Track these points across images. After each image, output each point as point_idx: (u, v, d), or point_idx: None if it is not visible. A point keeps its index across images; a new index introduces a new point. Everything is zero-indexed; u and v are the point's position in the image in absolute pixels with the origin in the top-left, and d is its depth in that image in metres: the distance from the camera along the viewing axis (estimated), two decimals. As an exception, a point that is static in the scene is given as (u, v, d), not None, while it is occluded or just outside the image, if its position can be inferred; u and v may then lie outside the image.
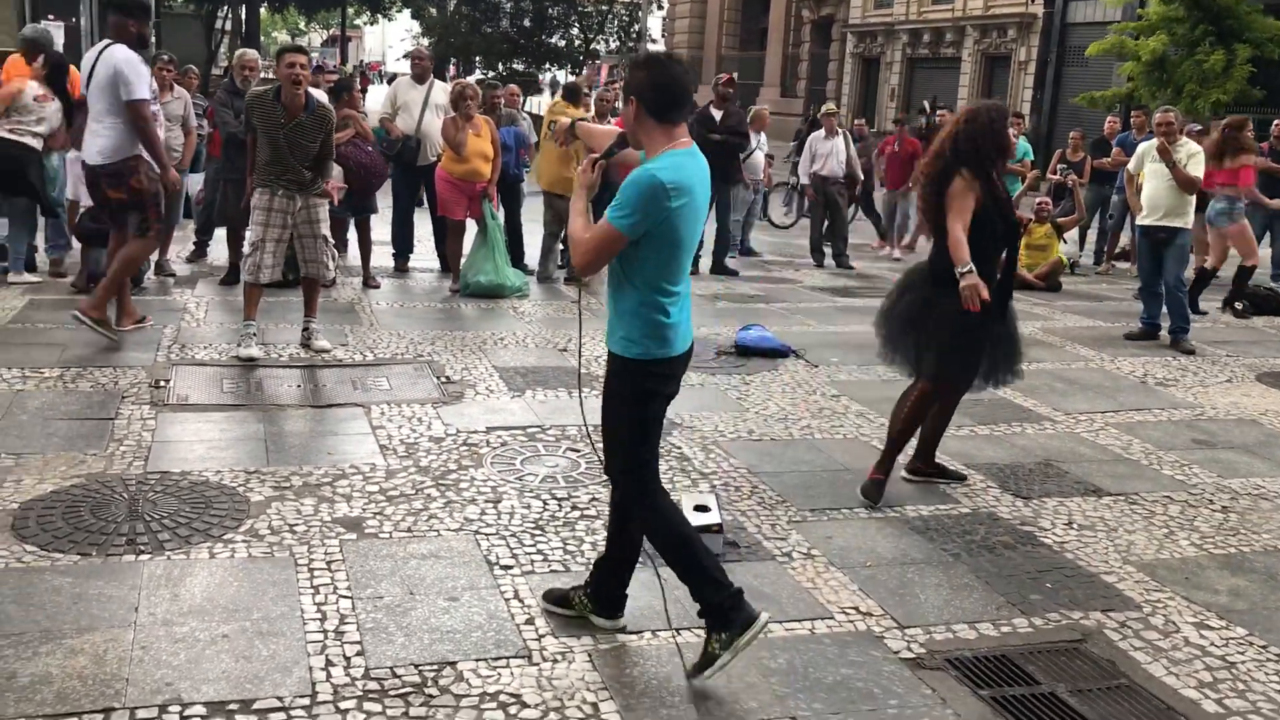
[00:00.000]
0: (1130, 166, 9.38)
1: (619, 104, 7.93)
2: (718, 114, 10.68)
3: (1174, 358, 8.35)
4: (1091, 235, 14.11)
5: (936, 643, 3.82)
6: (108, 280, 6.94)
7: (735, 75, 11.41)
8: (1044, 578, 4.35)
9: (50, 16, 13.27)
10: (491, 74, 36.15)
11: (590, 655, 3.60)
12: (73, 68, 9.23)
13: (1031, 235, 11.29)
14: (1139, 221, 8.94)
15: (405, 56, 43.85)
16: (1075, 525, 4.91)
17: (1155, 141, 8.66)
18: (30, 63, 8.39)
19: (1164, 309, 8.77)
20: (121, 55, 6.64)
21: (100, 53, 6.77)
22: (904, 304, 5.22)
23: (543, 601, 3.88)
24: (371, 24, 55.50)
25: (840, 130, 12.44)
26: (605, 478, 5.13)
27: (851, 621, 3.92)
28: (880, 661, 3.67)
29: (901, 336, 5.22)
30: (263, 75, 9.96)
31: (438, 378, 6.64)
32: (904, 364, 5.25)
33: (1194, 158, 8.48)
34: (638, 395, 3.48)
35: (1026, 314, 9.89)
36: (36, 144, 7.97)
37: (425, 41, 41.47)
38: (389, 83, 12.86)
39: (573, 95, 10.54)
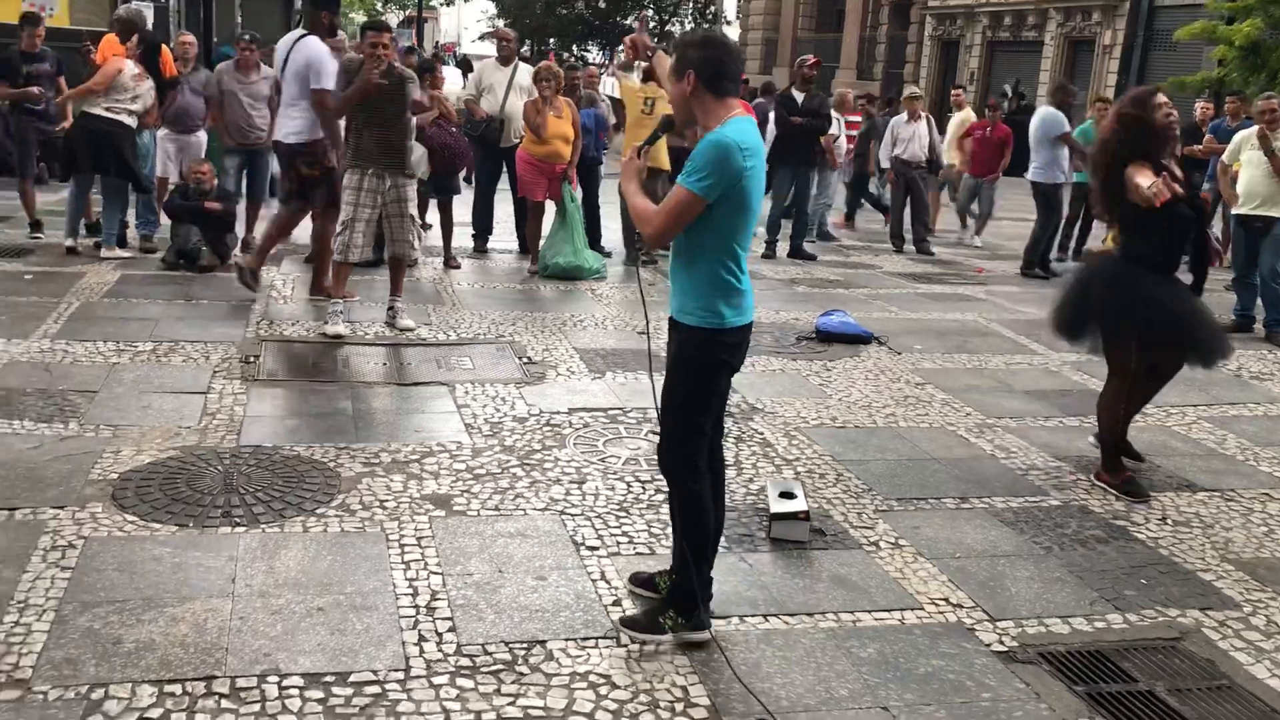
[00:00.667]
0: (1225, 156, 9.11)
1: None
2: (799, 96, 10.58)
3: (1270, 351, 8.12)
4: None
5: (1029, 636, 3.76)
6: (321, 264, 7.71)
7: (811, 58, 11.25)
8: (1138, 574, 4.26)
9: (139, -3, 13.48)
10: (567, 55, 36.20)
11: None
12: (165, 48, 9.42)
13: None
14: (1235, 211, 8.69)
15: (482, 38, 43.93)
16: (1169, 521, 4.80)
17: (1253, 129, 8.41)
18: (124, 42, 8.56)
19: (1259, 301, 8.52)
20: (314, 47, 7.23)
21: (295, 42, 7.35)
22: (1109, 296, 5.13)
23: (629, 584, 3.89)
24: (448, 5, 55.80)
25: (923, 114, 12.25)
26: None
27: (941, 613, 3.88)
28: (972, 654, 3.62)
29: (1112, 325, 5.15)
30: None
31: (519, 358, 6.67)
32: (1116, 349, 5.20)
33: None
34: (708, 366, 3.49)
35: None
36: (131, 122, 8.14)
37: (501, 23, 41.66)
38: (458, 65, 12.89)
39: (650, 75, 10.50)
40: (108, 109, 7.98)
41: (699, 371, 3.50)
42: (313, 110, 7.23)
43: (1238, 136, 8.83)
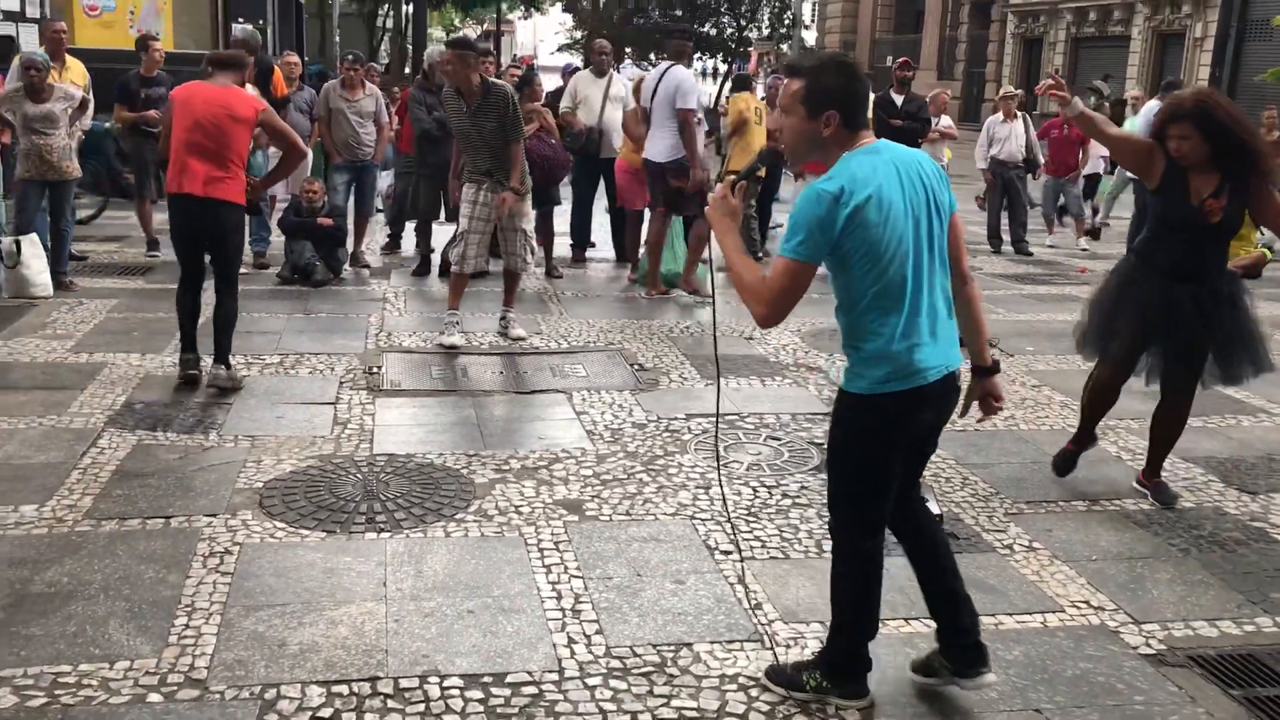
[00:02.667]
0: None
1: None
2: (898, 99, 10.54)
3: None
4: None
5: (1176, 639, 3.72)
6: (691, 260, 8.65)
7: (908, 60, 11.21)
8: (1283, 576, 4.20)
9: (240, 20, 13.91)
10: (646, 65, 36.37)
11: (822, 641, 3.61)
12: (277, 69, 9.69)
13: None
14: None
15: (560, 49, 44.26)
16: (1311, 522, 4.71)
17: None
18: (241, 64, 8.83)
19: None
20: (682, 74, 8.39)
21: (665, 71, 8.43)
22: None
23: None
24: (525, 18, 56.42)
25: (1018, 114, 12.12)
26: (812, 465, 5.18)
27: (1084, 615, 3.85)
28: (1119, 656, 3.60)
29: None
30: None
31: (631, 365, 6.75)
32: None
33: None
34: (859, 433, 3.09)
35: (1225, 302, 9.49)
36: None
37: (578, 35, 42.02)
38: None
39: (743, 84, 10.58)
40: None
41: (853, 438, 3.11)
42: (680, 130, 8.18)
43: None
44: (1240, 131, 4.49)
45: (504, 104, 6.87)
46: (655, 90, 8.41)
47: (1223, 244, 4.70)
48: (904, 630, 3.71)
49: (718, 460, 4.51)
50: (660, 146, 8.40)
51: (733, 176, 3.15)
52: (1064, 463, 5.13)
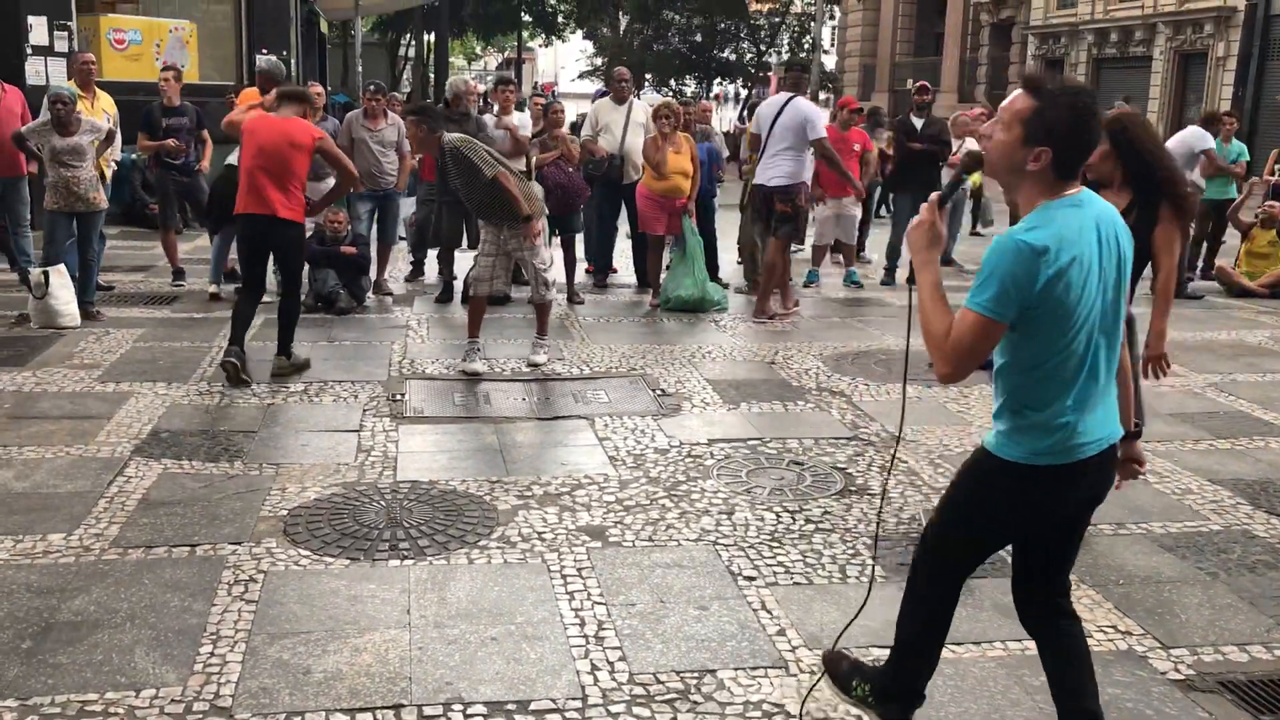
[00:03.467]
0: None
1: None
2: (918, 122, 10.56)
3: None
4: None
5: (1205, 664, 3.69)
6: (765, 287, 9.04)
7: (925, 84, 11.21)
8: (1314, 600, 4.15)
9: (264, 50, 14.06)
10: (666, 90, 36.57)
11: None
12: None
13: (1254, 242, 10.75)
14: None
15: (581, 76, 44.54)
16: (1340, 545, 4.66)
17: None
18: (264, 93, 8.95)
19: None
20: (806, 105, 8.72)
21: (786, 102, 8.70)
22: None
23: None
24: (546, 46, 56.83)
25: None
26: (835, 490, 5.16)
27: (1111, 640, 3.82)
28: (1148, 682, 3.57)
29: None
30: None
31: (653, 390, 6.76)
32: None
33: None
34: (998, 496, 2.84)
35: (1253, 322, 9.43)
36: None
37: (599, 61, 42.31)
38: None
39: (753, 109, 10.70)
40: None
41: (978, 497, 2.90)
42: (797, 158, 8.58)
43: None
44: (1149, 154, 4.36)
45: (459, 157, 6.80)
46: (775, 119, 8.65)
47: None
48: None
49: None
50: (775, 173, 8.66)
51: (937, 194, 2.82)
52: None
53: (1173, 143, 10.55)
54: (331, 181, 7.85)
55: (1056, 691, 3.02)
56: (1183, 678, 3.60)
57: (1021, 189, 2.69)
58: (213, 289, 9.06)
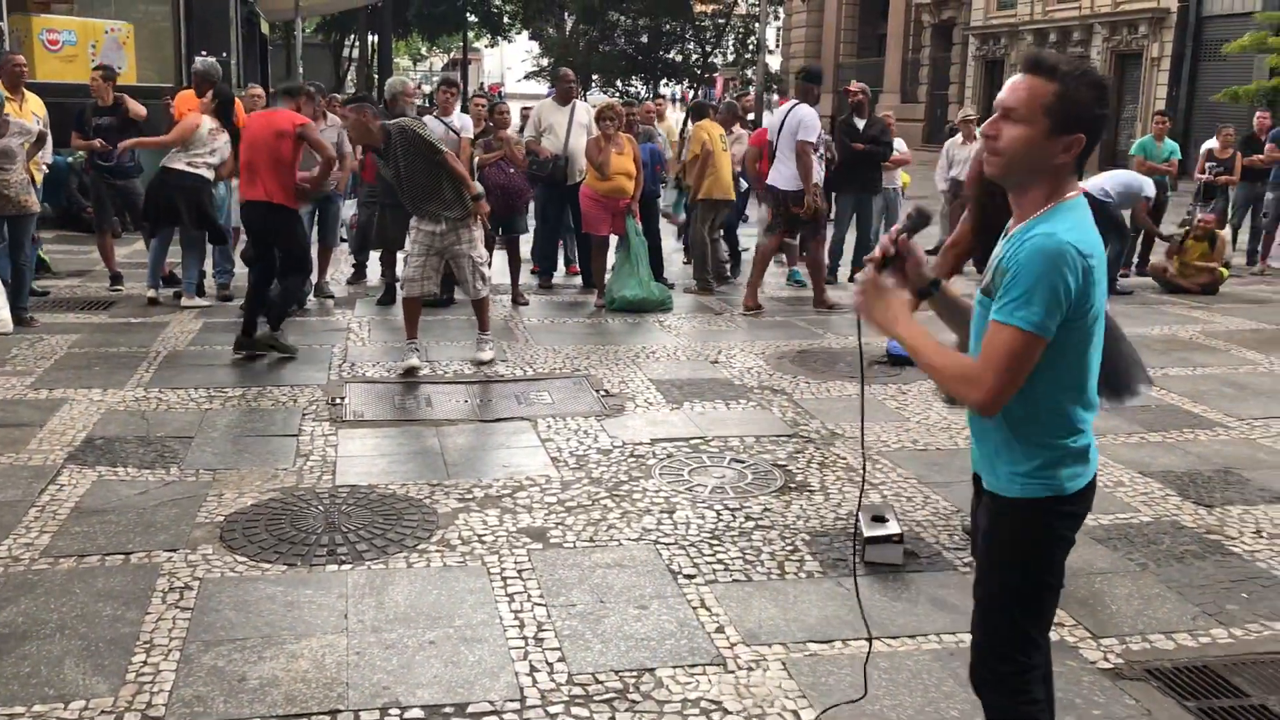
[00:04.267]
0: None
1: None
2: (860, 122, 10.65)
3: (1348, 360, 8.03)
4: (1243, 236, 13.60)
5: (1133, 653, 3.76)
6: (817, 282, 9.69)
7: (854, 86, 11.31)
8: (1239, 588, 4.25)
9: (203, 52, 13.88)
10: (611, 92, 36.61)
11: (784, 664, 3.64)
12: (238, 100, 9.68)
13: (1187, 254, 10.94)
14: None
15: (527, 77, 44.36)
16: (1265, 534, 4.77)
17: None
18: (200, 95, 8.85)
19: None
20: (806, 111, 9.19)
21: (791, 108, 9.29)
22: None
23: None
24: (491, 46, 56.62)
25: (977, 135, 12.25)
26: (775, 488, 5.20)
27: (1043, 631, 3.88)
28: (1078, 671, 3.63)
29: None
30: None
31: (596, 391, 6.77)
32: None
33: None
34: (1042, 547, 2.51)
35: (1185, 318, 9.62)
36: (209, 175, 8.39)
37: (545, 62, 42.22)
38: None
39: (702, 112, 10.77)
40: (188, 163, 8.22)
41: (1032, 555, 2.51)
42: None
43: None
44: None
45: (410, 136, 6.84)
46: (781, 125, 9.24)
47: None
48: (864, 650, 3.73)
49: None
50: (784, 175, 9.19)
51: (876, 257, 2.51)
52: None
53: (1116, 185, 10.38)
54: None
55: None
56: (1111, 666, 3.67)
57: (1038, 188, 2.38)
58: (150, 294, 8.93)
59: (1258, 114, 13.84)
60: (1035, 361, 2.31)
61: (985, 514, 2.61)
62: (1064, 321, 2.30)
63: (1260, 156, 12.36)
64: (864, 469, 2.79)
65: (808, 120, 9.12)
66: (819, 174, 9.26)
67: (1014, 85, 2.38)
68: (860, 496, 3.26)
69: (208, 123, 8.31)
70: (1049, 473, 2.44)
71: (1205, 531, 4.79)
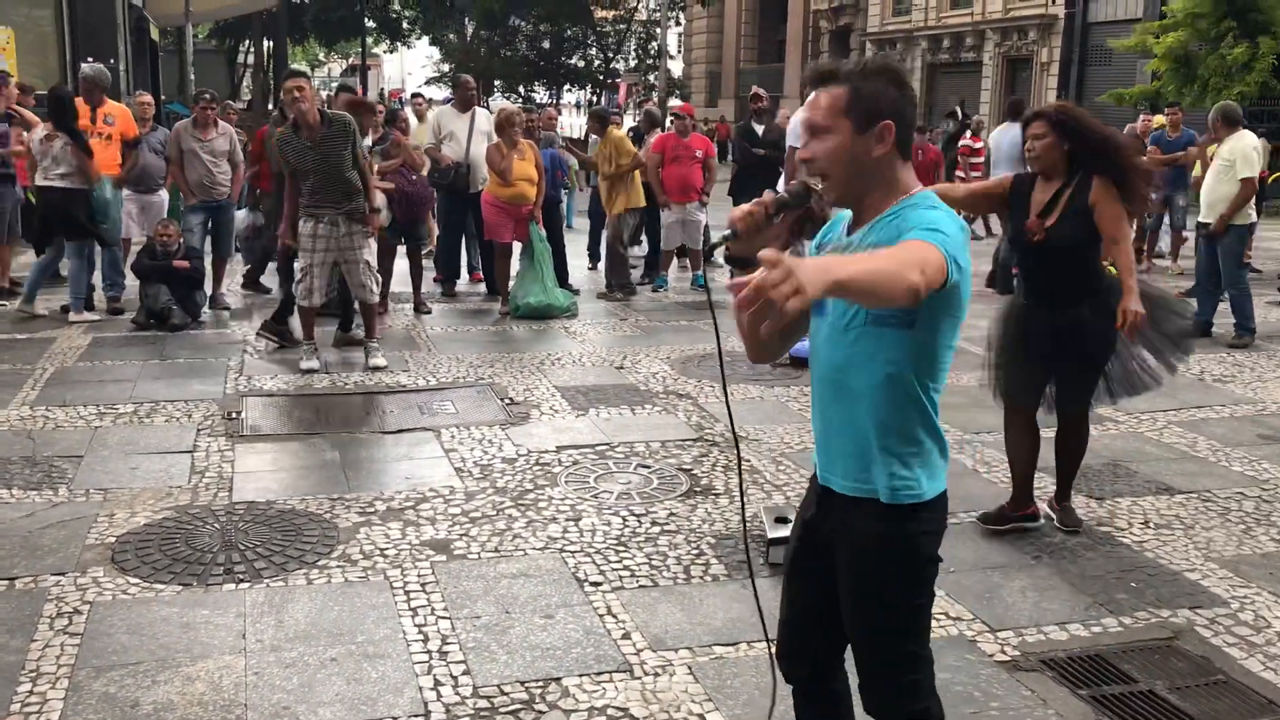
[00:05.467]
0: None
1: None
2: (759, 128, 10.77)
3: (1228, 354, 8.34)
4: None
5: (1029, 645, 3.85)
6: None
7: (759, 91, 11.49)
8: (1128, 577, 4.38)
9: (90, 59, 13.47)
10: (512, 97, 36.46)
11: (690, 668, 3.65)
12: (122, 106, 9.43)
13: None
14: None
15: (428, 83, 43.92)
16: (1152, 524, 4.93)
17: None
18: (88, 102, 8.62)
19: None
20: (795, 119, 8.50)
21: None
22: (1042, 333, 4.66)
23: None
24: (391, 52, 55.96)
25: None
26: (681, 492, 5.22)
27: (943, 627, 3.96)
28: (976, 665, 3.71)
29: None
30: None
31: (501, 399, 6.73)
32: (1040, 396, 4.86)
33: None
34: (920, 558, 2.46)
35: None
36: (69, 184, 8.20)
37: (445, 67, 41.89)
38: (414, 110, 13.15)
39: (604, 120, 10.84)
40: (45, 179, 8.14)
41: (913, 567, 2.46)
42: None
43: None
44: (1099, 130, 4.51)
45: (347, 131, 6.95)
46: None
47: (1067, 264, 4.56)
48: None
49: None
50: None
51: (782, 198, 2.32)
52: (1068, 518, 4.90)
53: (1004, 144, 10.81)
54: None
55: None
56: (1008, 659, 3.76)
57: (874, 192, 2.33)
58: (26, 308, 8.63)
59: (1142, 116, 14.35)
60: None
61: (866, 534, 2.46)
62: (946, 297, 2.22)
63: (1143, 159, 12.79)
64: (740, 477, 2.81)
65: (794, 128, 9.22)
66: None
67: (811, 103, 2.37)
68: (742, 503, 3.25)
69: (39, 134, 8.20)
70: (930, 471, 2.42)
71: (1095, 523, 4.93)
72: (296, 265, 7.36)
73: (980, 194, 5.14)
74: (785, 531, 4.44)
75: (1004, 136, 10.84)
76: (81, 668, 3.53)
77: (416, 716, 3.32)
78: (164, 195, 9.75)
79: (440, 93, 39.02)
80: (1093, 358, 4.71)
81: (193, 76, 20.44)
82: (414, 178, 9.31)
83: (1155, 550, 4.65)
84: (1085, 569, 4.46)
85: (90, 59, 13.40)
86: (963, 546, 4.65)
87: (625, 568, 4.39)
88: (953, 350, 2.37)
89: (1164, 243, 13.32)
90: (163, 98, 19.98)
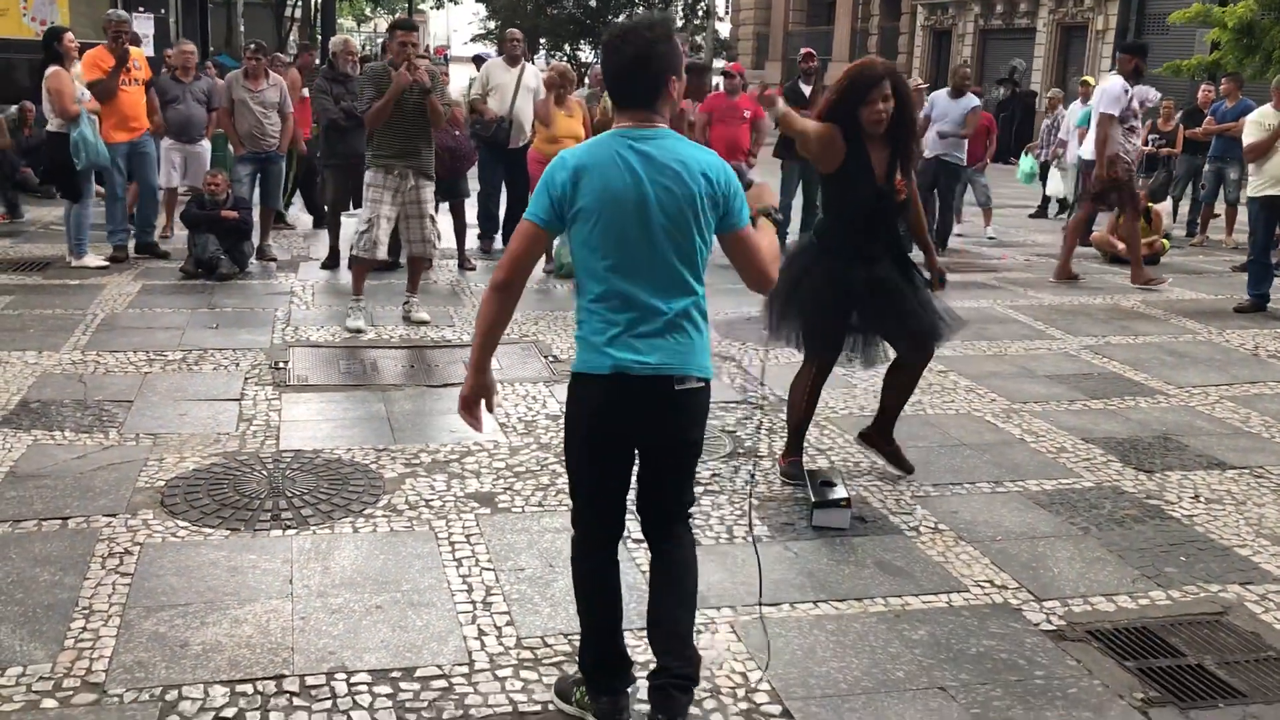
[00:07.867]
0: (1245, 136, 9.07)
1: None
2: (807, 89, 10.64)
3: (1282, 330, 8.20)
4: (1184, 207, 13.84)
5: (1075, 615, 3.82)
6: (1133, 256, 9.87)
7: (811, 51, 11.31)
8: (1177, 551, 4.33)
9: (141, 9, 13.53)
10: (560, 55, 36.27)
11: (733, 626, 3.65)
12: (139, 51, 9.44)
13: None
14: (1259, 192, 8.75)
15: (474, 39, 43.75)
16: (1203, 499, 4.86)
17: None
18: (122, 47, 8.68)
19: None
20: (1110, 83, 9.50)
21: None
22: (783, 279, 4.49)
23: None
24: (437, 8, 55.80)
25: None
26: (724, 453, 5.21)
27: (987, 595, 3.93)
28: (1021, 633, 3.68)
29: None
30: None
31: (545, 356, 6.73)
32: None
33: None
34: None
35: (1127, 288, 9.74)
36: (61, 128, 8.28)
37: (492, 25, 41.70)
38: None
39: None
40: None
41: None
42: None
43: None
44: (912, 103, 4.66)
45: (433, 85, 6.97)
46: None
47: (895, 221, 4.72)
48: (812, 614, 3.75)
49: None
50: (1089, 147, 10.15)
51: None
52: (795, 471, 4.88)
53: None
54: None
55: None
56: (1054, 628, 3.73)
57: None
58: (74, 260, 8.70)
59: (1202, 87, 14.03)
60: (540, 245, 3.07)
61: (701, 399, 3.31)
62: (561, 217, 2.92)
63: (1200, 130, 12.53)
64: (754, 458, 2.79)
65: (1110, 91, 9.36)
66: (1120, 147, 9.34)
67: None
68: (750, 489, 3.24)
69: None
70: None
71: (1145, 496, 4.87)
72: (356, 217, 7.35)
73: (808, 135, 4.70)
74: (829, 494, 4.44)
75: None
76: (132, 607, 3.59)
77: (460, 665, 3.35)
78: (206, 145, 9.80)
79: (487, 50, 38.84)
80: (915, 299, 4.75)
81: (243, 29, 20.47)
82: (457, 134, 9.29)
83: (1205, 525, 4.59)
84: (1134, 542, 4.40)
85: (141, 10, 13.49)
86: (1010, 515, 4.60)
87: (668, 526, 4.38)
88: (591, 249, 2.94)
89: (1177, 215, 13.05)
90: (210, 49, 20.05)
